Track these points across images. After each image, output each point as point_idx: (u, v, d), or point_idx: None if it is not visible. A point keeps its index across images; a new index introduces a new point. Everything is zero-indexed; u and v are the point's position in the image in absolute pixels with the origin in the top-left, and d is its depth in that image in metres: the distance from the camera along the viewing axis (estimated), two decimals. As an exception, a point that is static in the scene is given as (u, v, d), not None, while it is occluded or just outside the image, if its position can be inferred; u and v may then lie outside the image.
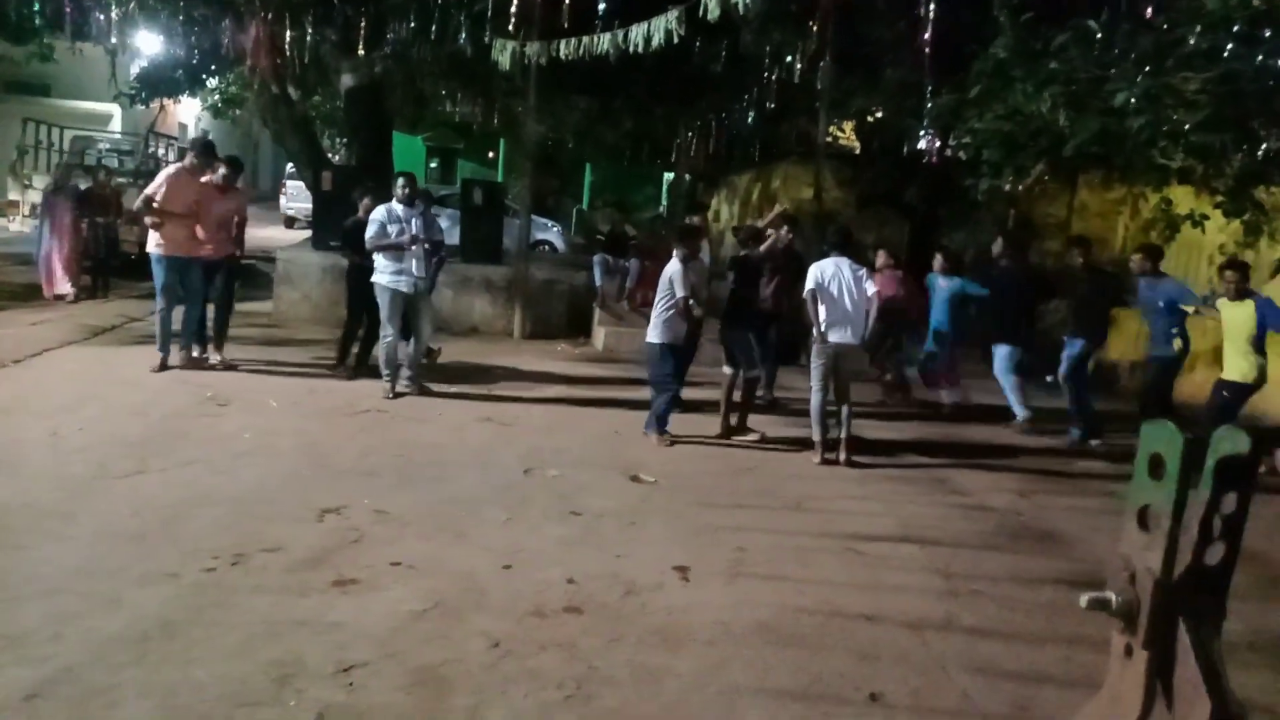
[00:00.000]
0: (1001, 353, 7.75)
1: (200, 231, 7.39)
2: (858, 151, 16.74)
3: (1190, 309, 7.09)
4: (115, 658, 3.07)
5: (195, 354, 7.69)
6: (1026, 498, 5.95)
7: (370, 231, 7.08)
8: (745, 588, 4.10)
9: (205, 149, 7.69)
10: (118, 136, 18.51)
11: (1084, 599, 1.80)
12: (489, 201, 11.87)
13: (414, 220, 7.16)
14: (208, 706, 2.83)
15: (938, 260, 8.49)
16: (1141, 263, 7.19)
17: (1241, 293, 6.38)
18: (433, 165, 27.35)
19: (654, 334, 6.60)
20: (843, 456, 6.35)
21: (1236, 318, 6.39)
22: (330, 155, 20.41)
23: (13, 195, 13.99)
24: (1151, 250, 7.38)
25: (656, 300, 6.63)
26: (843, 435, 6.39)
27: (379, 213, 7.13)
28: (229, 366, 7.70)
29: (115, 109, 19.92)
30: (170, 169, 7.68)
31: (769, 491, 5.68)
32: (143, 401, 6.40)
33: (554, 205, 23.69)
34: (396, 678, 3.09)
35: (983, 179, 9.01)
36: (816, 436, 6.39)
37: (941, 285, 8.34)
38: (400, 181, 7.35)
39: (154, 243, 7.21)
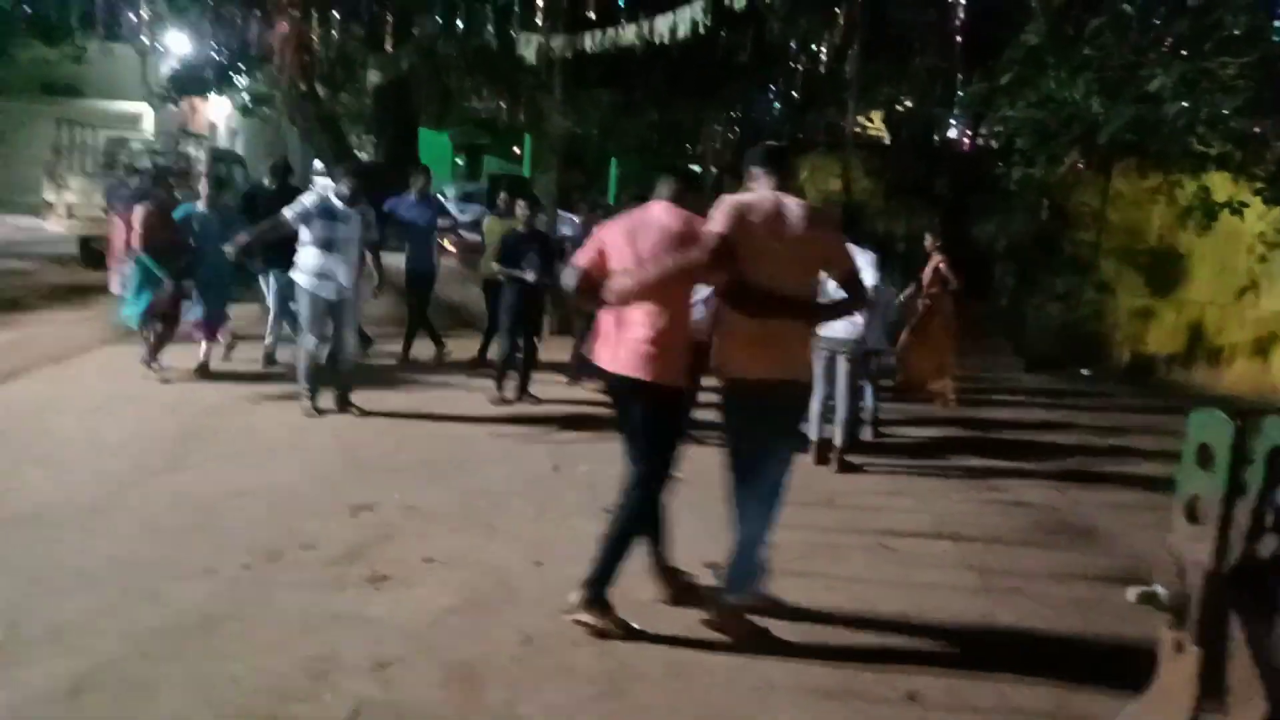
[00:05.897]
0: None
1: None
2: (886, 141, 16.57)
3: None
4: (154, 651, 3.11)
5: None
6: (1063, 493, 5.86)
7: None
8: (777, 584, 4.07)
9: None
10: (150, 137, 18.74)
11: (1132, 593, 1.75)
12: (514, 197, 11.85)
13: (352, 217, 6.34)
14: (246, 700, 2.86)
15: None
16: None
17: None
18: (459, 161, 27.47)
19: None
20: (834, 464, 5.96)
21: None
22: (357, 152, 20.60)
23: (48, 196, 14.16)
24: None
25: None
26: (836, 440, 5.99)
27: (310, 199, 6.30)
28: None
29: (146, 109, 20.20)
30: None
31: (799, 487, 5.57)
32: (177, 400, 6.48)
33: (580, 200, 23.71)
34: (431, 673, 3.10)
35: (1015, 168, 8.90)
36: (811, 436, 6.09)
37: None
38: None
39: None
